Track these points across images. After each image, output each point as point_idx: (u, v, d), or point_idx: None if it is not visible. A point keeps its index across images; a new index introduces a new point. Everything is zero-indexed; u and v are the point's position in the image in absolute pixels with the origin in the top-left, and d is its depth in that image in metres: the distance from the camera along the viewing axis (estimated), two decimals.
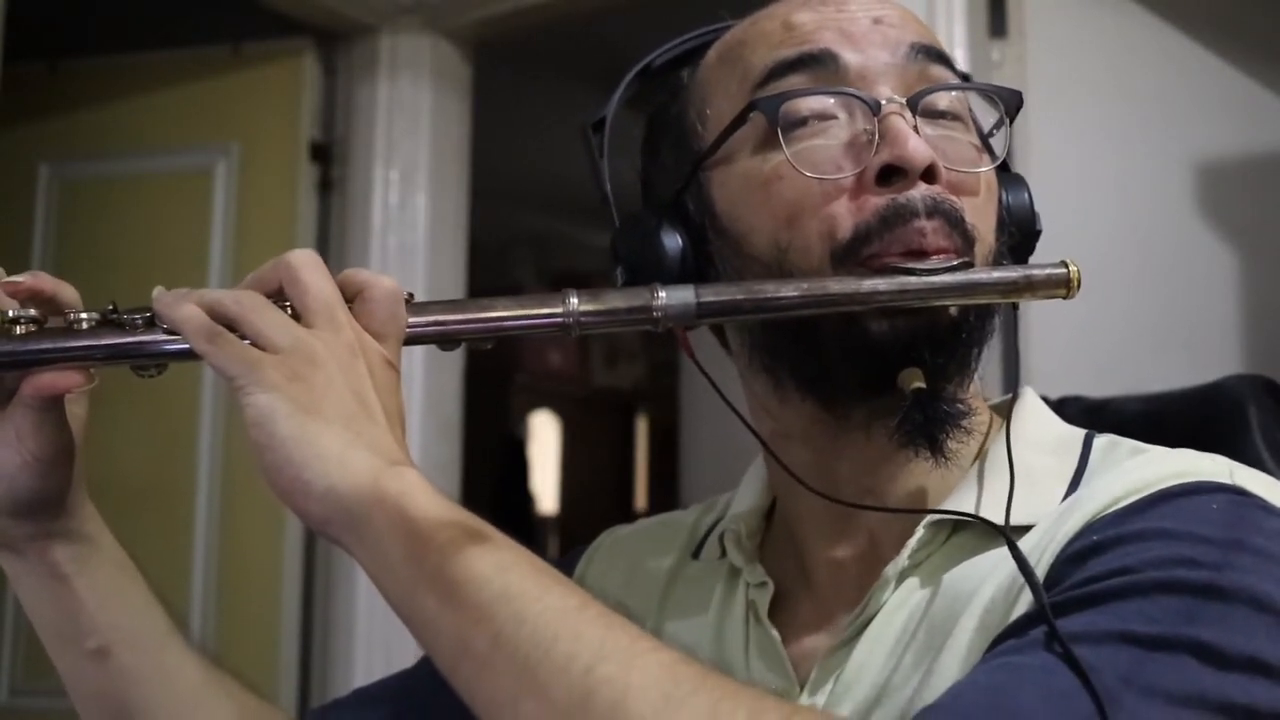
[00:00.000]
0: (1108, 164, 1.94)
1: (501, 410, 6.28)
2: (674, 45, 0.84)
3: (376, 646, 2.55)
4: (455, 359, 2.73)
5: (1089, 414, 0.91)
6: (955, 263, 0.68)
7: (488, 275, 4.29)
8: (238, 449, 2.65)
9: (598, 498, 6.81)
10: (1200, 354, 1.84)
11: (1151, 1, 1.94)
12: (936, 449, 0.70)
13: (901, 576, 0.71)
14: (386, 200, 2.71)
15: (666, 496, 5.56)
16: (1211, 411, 0.87)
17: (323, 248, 2.73)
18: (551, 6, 2.70)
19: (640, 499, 7.14)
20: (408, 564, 0.58)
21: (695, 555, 0.85)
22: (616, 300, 0.69)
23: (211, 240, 2.71)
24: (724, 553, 0.82)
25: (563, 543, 6.56)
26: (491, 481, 5.90)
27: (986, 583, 0.66)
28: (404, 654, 2.56)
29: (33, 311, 0.66)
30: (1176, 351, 1.84)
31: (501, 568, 0.57)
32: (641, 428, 7.22)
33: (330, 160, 2.77)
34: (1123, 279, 1.89)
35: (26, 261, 2.69)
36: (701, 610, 0.80)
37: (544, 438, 6.84)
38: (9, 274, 0.70)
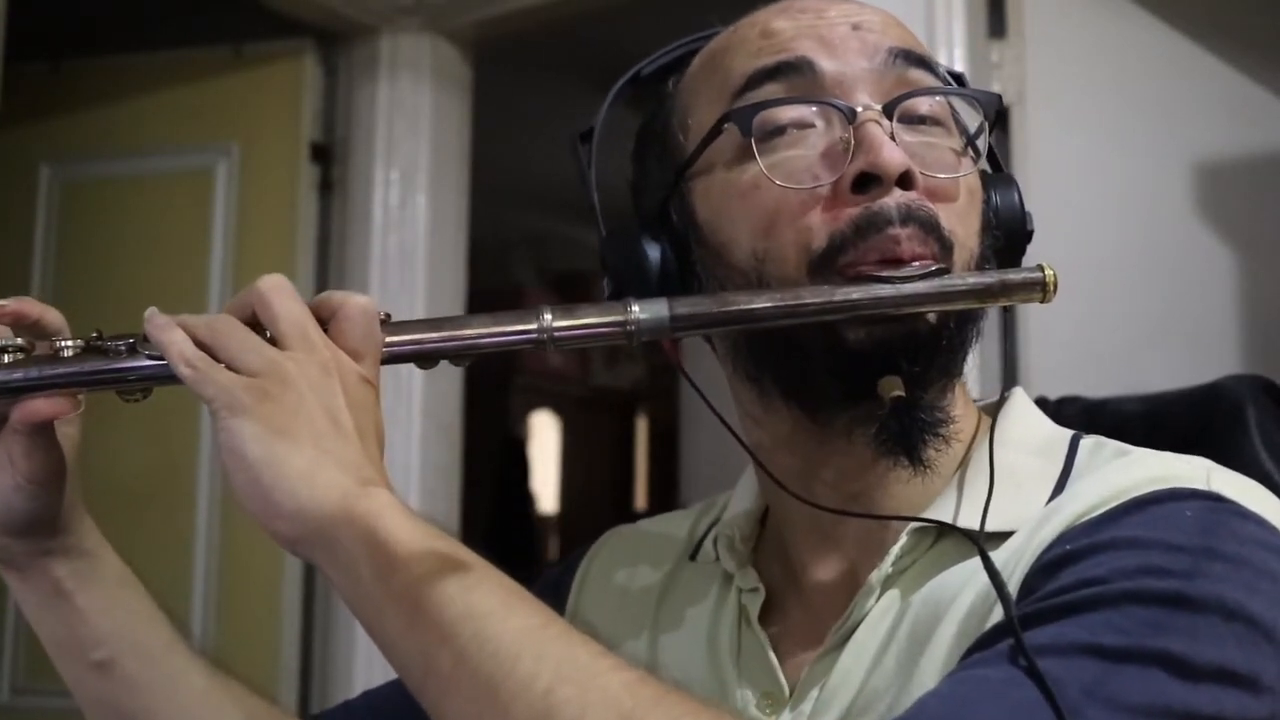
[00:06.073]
0: (1108, 164, 1.94)
1: (501, 411, 6.27)
2: (663, 53, 0.83)
3: (376, 653, 2.54)
4: None
5: (1088, 414, 0.91)
6: (930, 269, 0.68)
7: (488, 275, 4.29)
8: None
9: (598, 498, 6.81)
10: (1200, 354, 1.84)
11: (1151, 2, 1.94)
12: (915, 458, 0.70)
13: (885, 584, 0.71)
14: (386, 200, 2.71)
15: (666, 496, 5.56)
16: (1210, 411, 0.87)
17: (323, 248, 2.73)
18: (551, 7, 2.70)
19: (640, 499, 7.13)
20: (375, 583, 0.59)
21: (693, 557, 0.85)
22: (590, 315, 0.68)
23: (212, 241, 2.71)
24: (719, 556, 0.82)
25: (563, 543, 6.56)
26: (492, 482, 5.89)
27: (965, 590, 0.66)
28: None
29: (19, 340, 0.68)
30: (1176, 351, 1.84)
31: (466, 587, 0.58)
32: (641, 428, 7.22)
33: (330, 161, 2.77)
34: (1123, 279, 1.89)
35: (27, 262, 2.69)
36: (696, 613, 0.80)
37: (544, 438, 6.84)
38: (8, 273, 0.70)
